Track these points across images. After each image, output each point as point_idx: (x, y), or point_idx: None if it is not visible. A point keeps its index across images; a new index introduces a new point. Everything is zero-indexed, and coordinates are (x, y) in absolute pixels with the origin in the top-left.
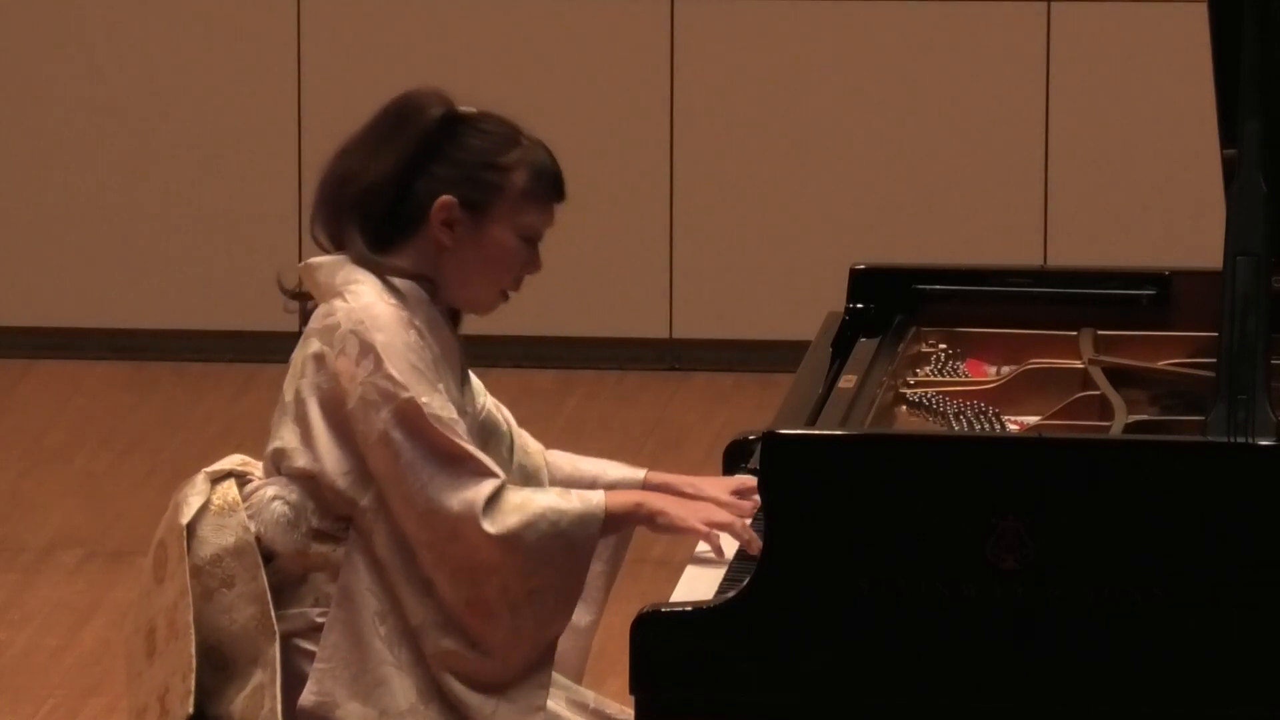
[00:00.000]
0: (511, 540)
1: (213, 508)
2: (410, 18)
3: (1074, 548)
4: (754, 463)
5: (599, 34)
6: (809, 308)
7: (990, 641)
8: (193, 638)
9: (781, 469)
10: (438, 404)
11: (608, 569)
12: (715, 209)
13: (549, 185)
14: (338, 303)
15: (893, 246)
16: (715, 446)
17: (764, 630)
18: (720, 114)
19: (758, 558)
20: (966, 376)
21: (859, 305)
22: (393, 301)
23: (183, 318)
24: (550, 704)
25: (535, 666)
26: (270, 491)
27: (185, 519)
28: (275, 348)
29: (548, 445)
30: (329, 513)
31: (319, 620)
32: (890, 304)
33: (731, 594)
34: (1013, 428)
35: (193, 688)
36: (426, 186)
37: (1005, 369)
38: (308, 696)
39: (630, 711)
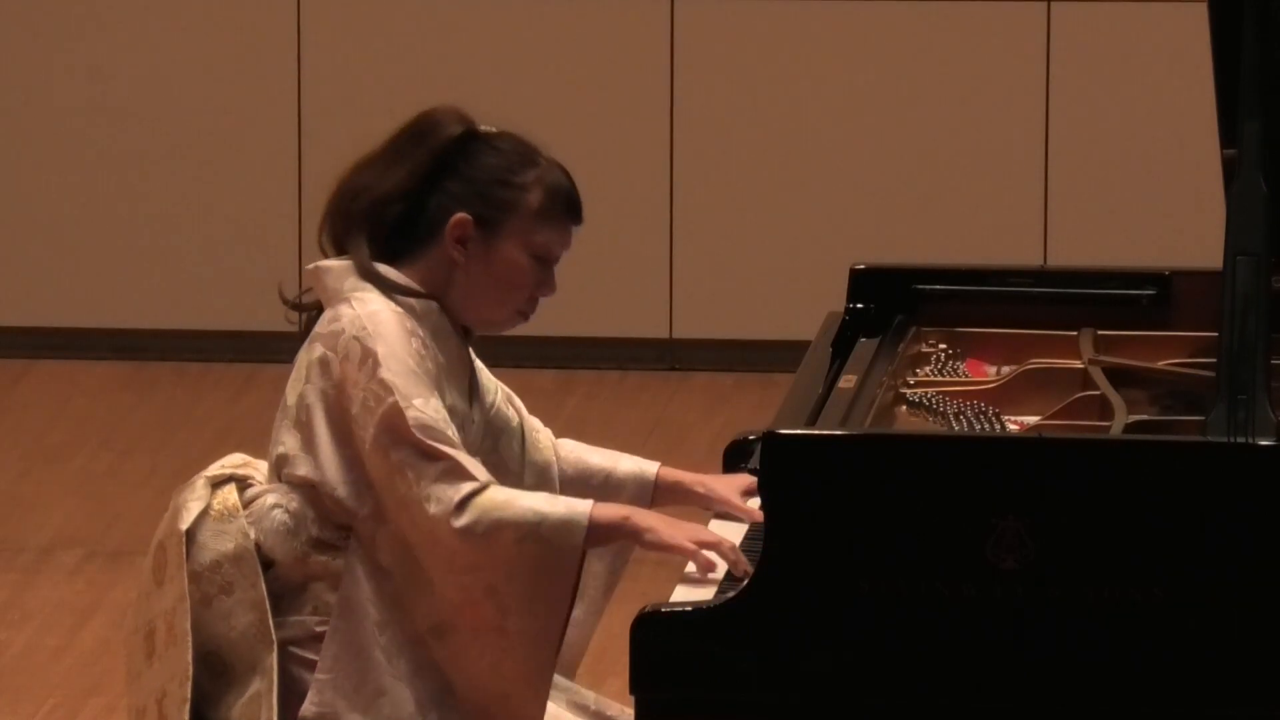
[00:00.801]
0: (485, 540)
1: (212, 513)
2: (410, 19)
3: (1074, 548)
4: (754, 463)
5: (599, 34)
6: (809, 308)
7: (990, 641)
8: (190, 645)
9: (781, 469)
10: (429, 409)
11: (608, 570)
12: (715, 209)
13: (564, 206)
14: (344, 308)
15: (893, 246)
16: (715, 446)
17: (764, 630)
18: (720, 114)
19: (757, 557)
20: (966, 376)
21: (859, 305)
22: (399, 310)
23: (183, 318)
24: (550, 705)
25: (533, 677)
26: (270, 499)
27: (185, 525)
28: (275, 348)
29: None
30: (329, 522)
31: (318, 629)
32: (890, 304)
33: (731, 594)
34: (1013, 428)
35: (189, 695)
36: (440, 202)
37: (1005, 369)
38: (309, 707)
39: (630, 711)
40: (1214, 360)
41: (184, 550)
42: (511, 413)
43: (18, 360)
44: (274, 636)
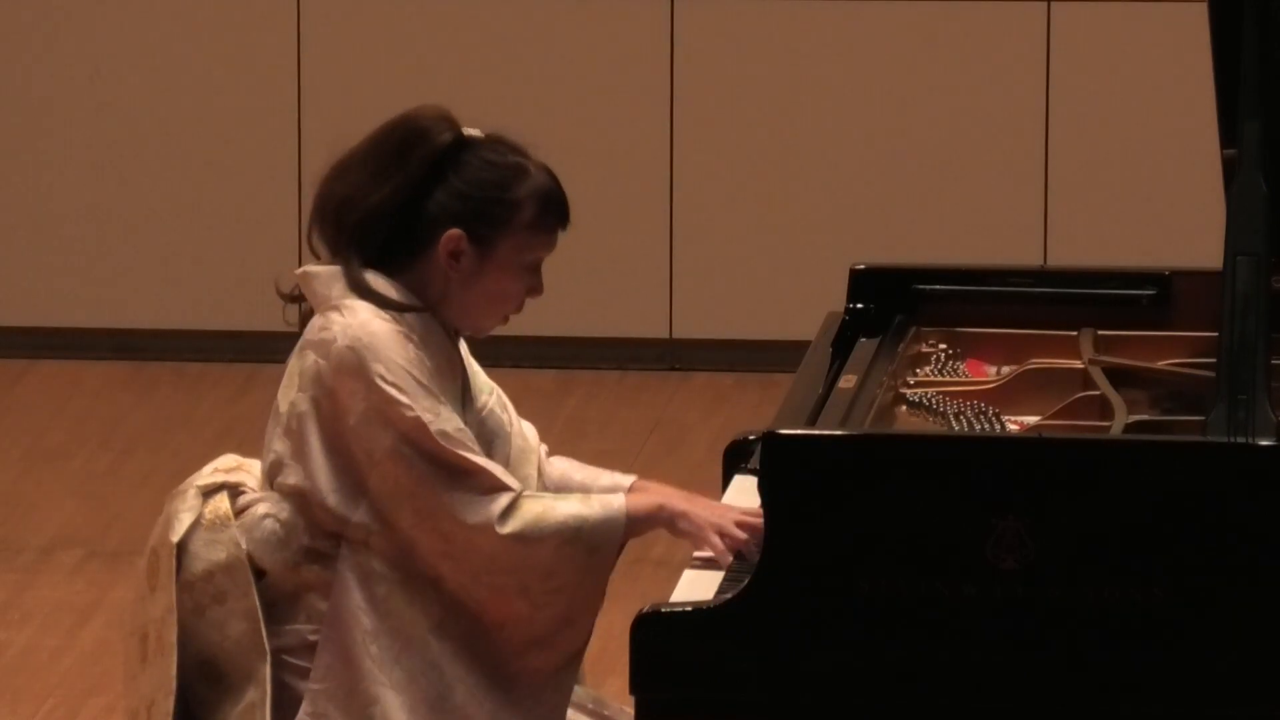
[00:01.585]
0: (529, 546)
1: (204, 522)
2: (410, 19)
3: (1074, 548)
4: (754, 463)
5: (599, 34)
6: (809, 308)
7: (990, 641)
8: (175, 659)
9: (781, 469)
10: (444, 418)
11: None
12: (715, 209)
13: (555, 214)
14: (334, 316)
15: (893, 246)
16: (715, 446)
17: (764, 630)
18: (720, 114)
19: (757, 558)
20: (966, 376)
21: (859, 305)
22: (388, 317)
23: (183, 318)
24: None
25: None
26: (261, 509)
27: (176, 537)
28: (275, 348)
29: (548, 447)
30: (320, 531)
31: (312, 639)
32: (890, 304)
33: (731, 594)
34: (1013, 428)
35: (172, 710)
36: (432, 214)
37: (1005, 369)
38: (303, 718)
39: (630, 711)
40: (1214, 360)
41: (175, 562)
42: (506, 418)
43: (18, 360)
44: (267, 646)
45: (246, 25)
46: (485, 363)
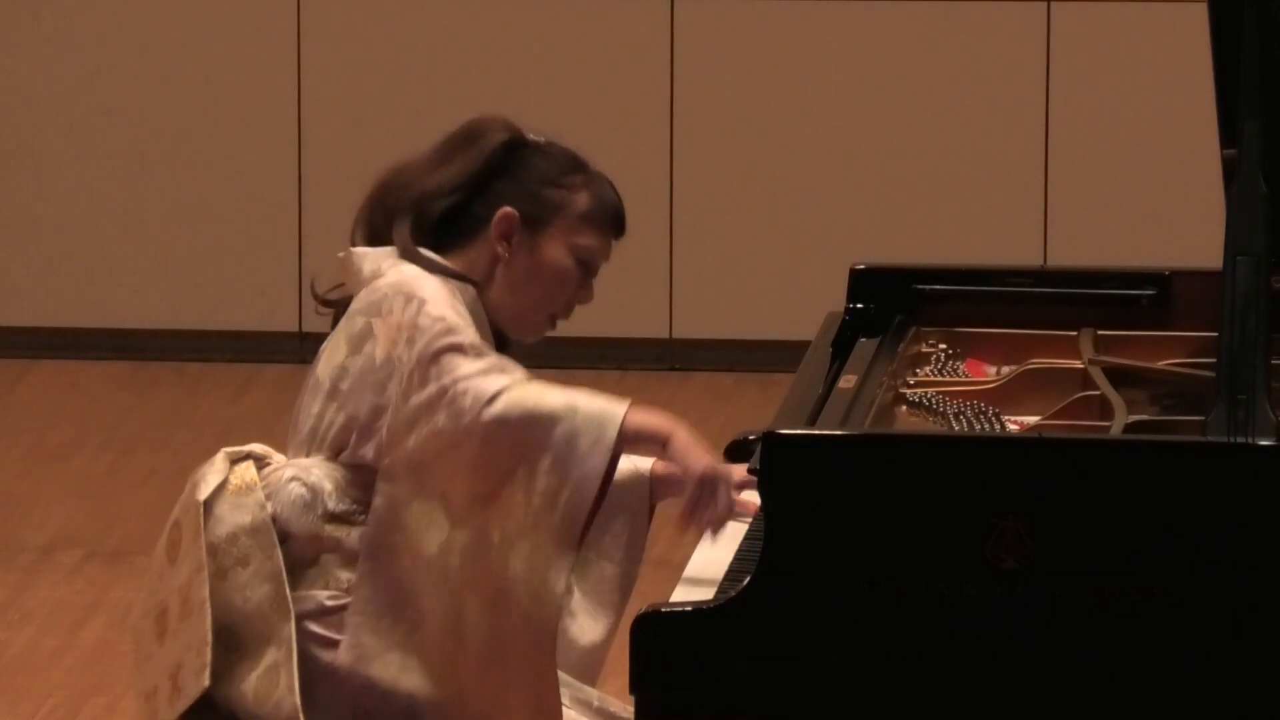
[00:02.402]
0: (517, 427)
1: (230, 487)
2: (410, 18)
3: (1074, 548)
4: (754, 463)
5: (599, 34)
6: (809, 308)
7: (990, 641)
8: (209, 612)
9: (781, 469)
10: (478, 339)
11: (621, 571)
12: (715, 209)
13: (610, 216)
14: (380, 281)
15: (893, 246)
16: (715, 446)
17: (764, 630)
18: (720, 114)
19: (757, 557)
20: (966, 376)
21: (859, 305)
22: (438, 278)
23: (183, 318)
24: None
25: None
26: (288, 473)
27: (203, 496)
28: (275, 348)
29: None
30: (346, 495)
31: (329, 604)
32: (890, 304)
33: (731, 594)
34: (1013, 428)
35: (208, 661)
36: (487, 201)
37: (1005, 369)
38: (345, 652)
39: (629, 709)
40: (1214, 360)
41: (201, 521)
42: None
43: (18, 360)
44: (291, 607)
45: (246, 25)
46: None
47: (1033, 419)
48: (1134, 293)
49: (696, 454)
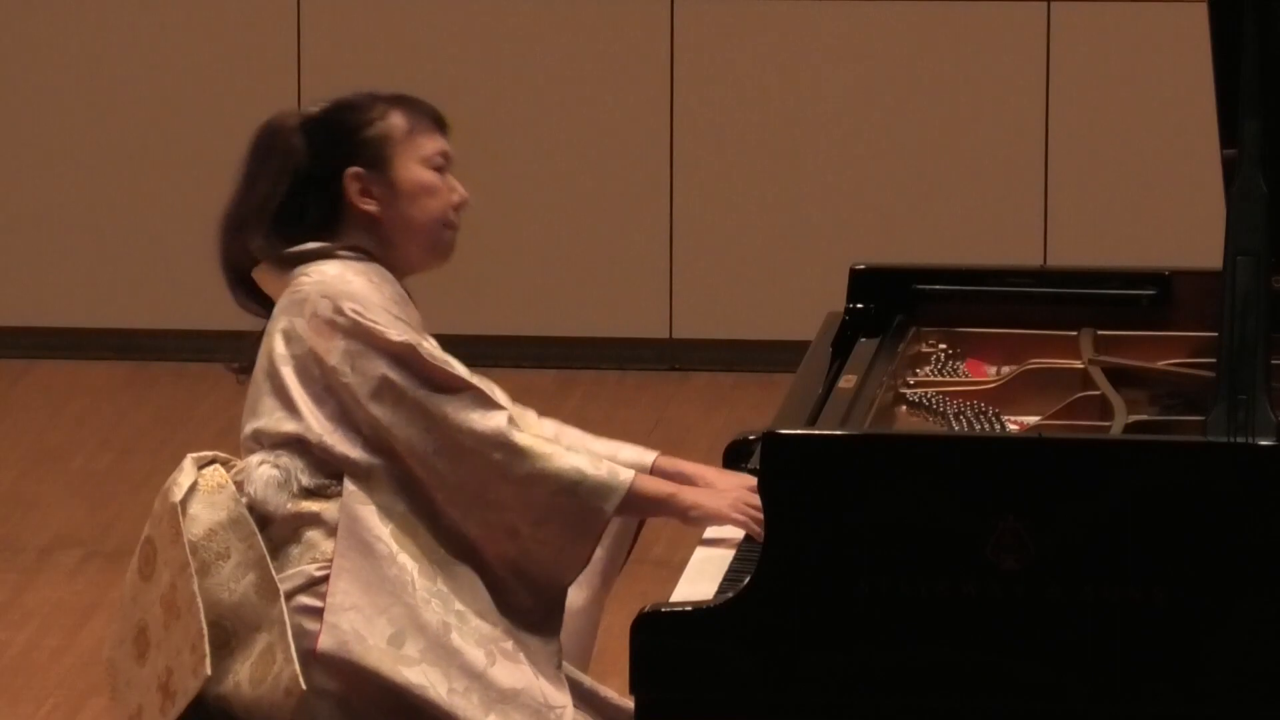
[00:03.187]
0: (522, 483)
1: (201, 488)
2: (410, 18)
3: (1074, 548)
4: (754, 463)
5: (599, 34)
6: (809, 308)
7: (990, 641)
8: (200, 606)
9: (781, 469)
10: (429, 342)
11: (607, 555)
12: (715, 209)
13: (426, 113)
14: (302, 279)
15: (893, 246)
16: (715, 446)
17: (764, 630)
18: (720, 114)
19: (757, 557)
20: (966, 376)
21: (859, 305)
22: (356, 270)
23: (183, 318)
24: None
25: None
26: (257, 458)
27: (176, 498)
28: None
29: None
30: (319, 470)
31: (318, 574)
32: (890, 304)
33: (731, 594)
34: (1013, 428)
35: (206, 651)
36: (321, 179)
37: (1005, 369)
38: (326, 640)
39: (629, 701)
40: (1214, 360)
41: (179, 522)
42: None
43: (18, 360)
44: (279, 586)
45: (246, 25)
46: (486, 362)
47: (1033, 419)
48: (1134, 293)
49: (717, 509)
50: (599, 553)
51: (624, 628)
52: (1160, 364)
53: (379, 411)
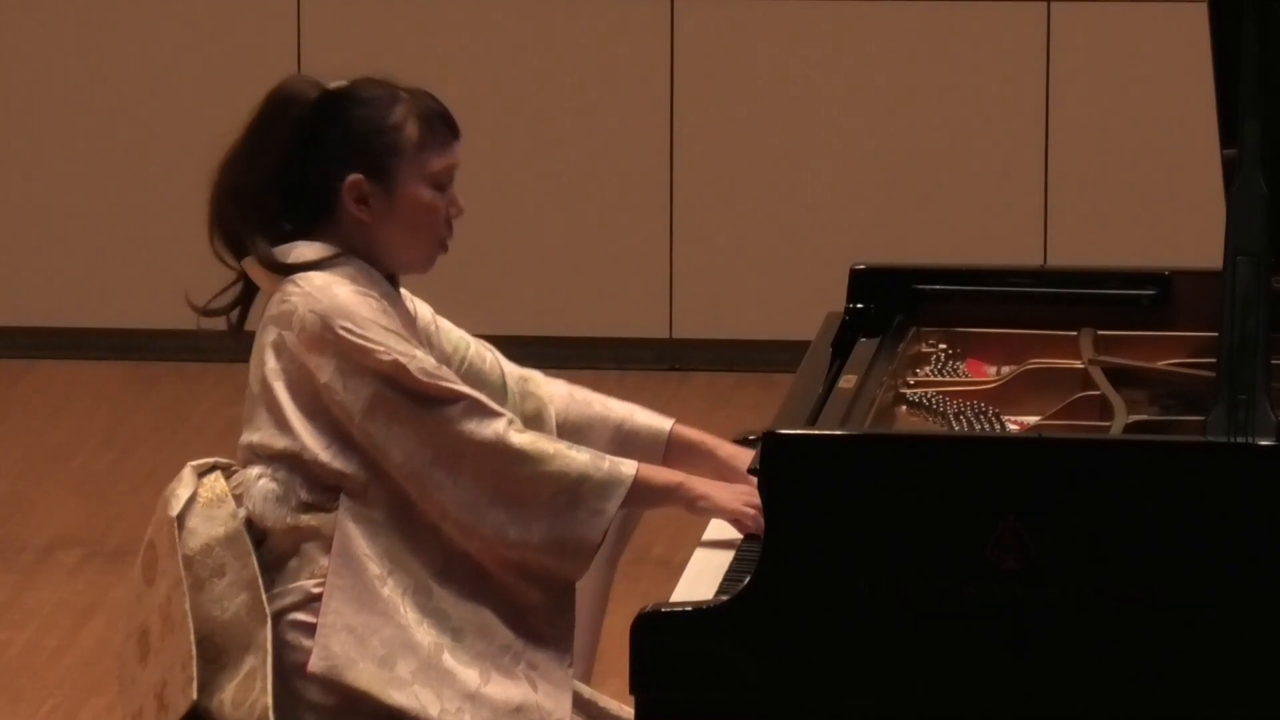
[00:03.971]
0: (525, 484)
1: (201, 499)
2: (410, 18)
3: (1074, 548)
4: (754, 463)
5: (599, 34)
6: (809, 308)
7: (990, 641)
8: (190, 626)
9: (781, 469)
10: (420, 357)
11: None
12: (715, 209)
13: (441, 127)
14: (290, 288)
15: (893, 246)
16: None
17: (764, 630)
18: (720, 114)
19: (757, 557)
20: (966, 376)
21: (859, 305)
22: (345, 281)
23: (183, 318)
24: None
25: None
26: (256, 471)
27: (174, 511)
28: None
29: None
30: (317, 484)
31: (315, 590)
32: (890, 304)
33: (731, 594)
34: (1013, 428)
35: (194, 674)
36: (324, 170)
37: (1005, 369)
38: (316, 662)
39: (629, 710)
40: (1214, 360)
41: (176, 536)
42: (490, 365)
43: (18, 360)
44: (267, 611)
45: (246, 25)
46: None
47: (1033, 419)
48: (1134, 293)
49: (724, 499)
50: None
51: (624, 628)
52: (1160, 364)
53: (373, 429)
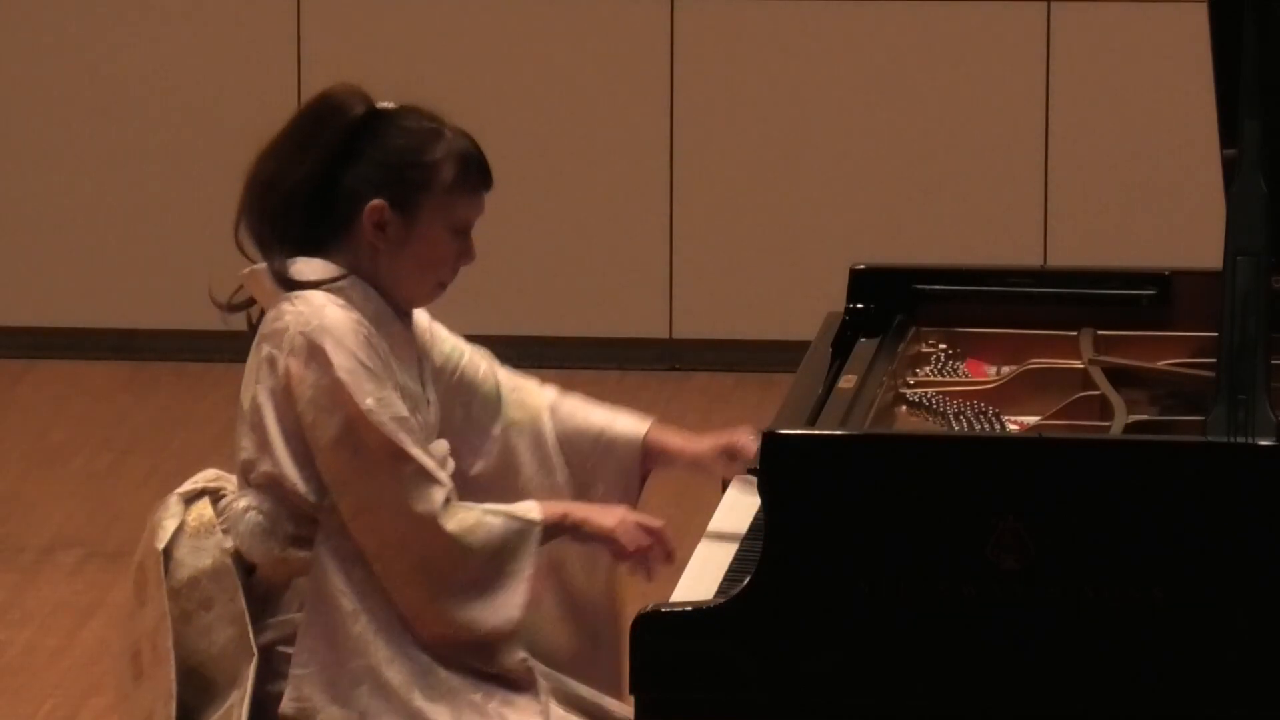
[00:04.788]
0: (464, 554)
1: (188, 529)
2: (410, 18)
3: (1074, 548)
4: (754, 462)
5: (599, 34)
6: (809, 308)
7: (990, 641)
8: (173, 663)
9: (781, 469)
10: (388, 404)
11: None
12: (715, 209)
13: (476, 175)
14: (285, 305)
15: (893, 246)
16: None
17: (764, 630)
18: (720, 114)
19: (757, 557)
20: (966, 376)
21: (859, 305)
22: (340, 303)
23: (183, 318)
24: (551, 704)
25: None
26: (243, 503)
27: (161, 543)
28: None
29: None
30: (302, 517)
31: None
32: (890, 304)
33: (731, 594)
34: (1013, 428)
35: (174, 714)
36: (353, 186)
37: (1005, 369)
38: (287, 704)
39: (628, 709)
40: (1214, 360)
41: (162, 569)
42: (483, 374)
43: (18, 360)
44: (254, 647)
45: (246, 25)
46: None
47: (1033, 419)
48: (1134, 293)
49: (597, 527)
50: (583, 579)
51: (624, 628)
52: (1160, 364)
53: (328, 469)
